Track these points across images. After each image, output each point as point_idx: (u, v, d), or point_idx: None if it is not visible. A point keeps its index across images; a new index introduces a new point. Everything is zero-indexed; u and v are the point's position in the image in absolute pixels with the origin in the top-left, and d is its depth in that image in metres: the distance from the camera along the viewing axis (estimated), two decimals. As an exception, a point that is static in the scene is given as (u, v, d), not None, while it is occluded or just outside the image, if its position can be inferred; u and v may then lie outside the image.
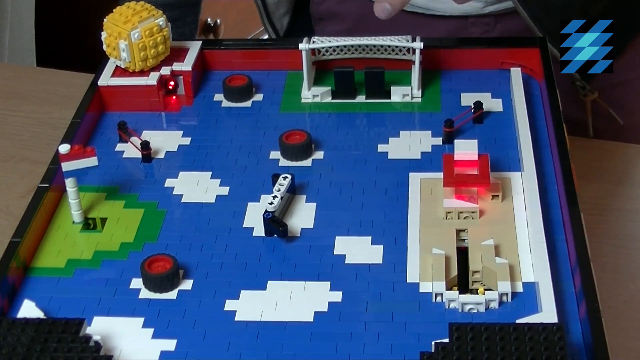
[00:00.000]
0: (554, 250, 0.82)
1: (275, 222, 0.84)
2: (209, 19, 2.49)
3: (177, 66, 1.03)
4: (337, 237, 0.85)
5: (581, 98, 1.19)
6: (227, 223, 0.87)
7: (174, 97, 1.04)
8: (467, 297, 0.77)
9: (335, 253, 0.83)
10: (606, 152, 1.12)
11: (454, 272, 0.79)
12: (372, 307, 0.78)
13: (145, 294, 0.80)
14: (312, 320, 0.77)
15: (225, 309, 0.79)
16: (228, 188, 0.91)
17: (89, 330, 0.75)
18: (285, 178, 0.87)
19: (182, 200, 0.90)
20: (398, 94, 1.02)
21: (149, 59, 1.00)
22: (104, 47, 1.01)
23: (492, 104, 1.00)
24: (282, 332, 0.76)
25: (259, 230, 0.86)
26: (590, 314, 0.73)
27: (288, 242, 0.85)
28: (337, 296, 0.79)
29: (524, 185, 0.88)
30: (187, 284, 0.81)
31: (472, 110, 0.97)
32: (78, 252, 0.85)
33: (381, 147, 0.95)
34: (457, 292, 0.78)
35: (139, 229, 0.87)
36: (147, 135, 0.99)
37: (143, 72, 1.01)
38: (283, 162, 0.94)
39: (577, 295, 0.77)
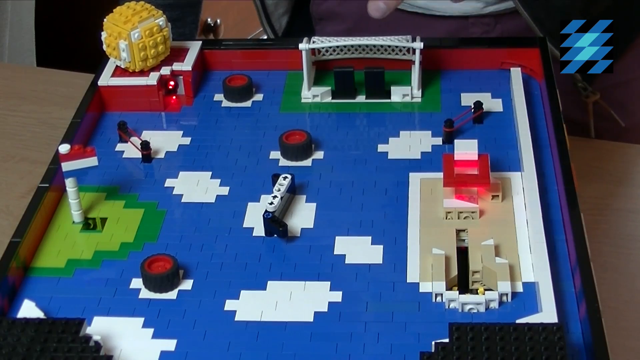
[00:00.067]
0: (554, 250, 0.82)
1: (275, 222, 0.84)
2: (209, 19, 2.49)
3: (177, 66, 1.03)
4: (337, 237, 0.85)
5: (583, 99, 1.19)
6: (227, 223, 0.87)
7: (174, 97, 1.04)
8: (467, 297, 0.77)
9: (335, 253, 0.83)
10: (606, 152, 1.13)
11: (454, 272, 0.79)
12: (372, 307, 0.78)
13: (145, 294, 0.80)
14: (312, 320, 0.77)
15: (225, 309, 0.79)
16: (228, 188, 0.91)
17: (89, 330, 0.75)
18: (285, 178, 0.87)
19: (182, 200, 0.90)
20: (398, 94, 1.02)
21: (149, 59, 1.00)
22: (104, 47, 1.01)
23: (492, 104, 1.00)
24: (282, 332, 0.76)
25: (259, 230, 0.86)
26: (590, 314, 0.73)
27: (288, 242, 0.85)
28: (337, 296, 0.79)
29: (524, 185, 0.88)
30: (187, 284, 0.81)
31: (472, 110, 0.97)
32: (78, 252, 0.85)
33: (381, 147, 0.95)
34: (457, 292, 0.78)
35: (139, 229, 0.87)
36: (147, 135, 0.99)
37: (143, 72, 1.01)
38: (283, 162, 0.94)
39: (577, 295, 0.77)
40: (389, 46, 1.02)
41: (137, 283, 0.81)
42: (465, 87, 1.02)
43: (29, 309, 0.77)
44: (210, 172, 0.93)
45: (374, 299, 0.79)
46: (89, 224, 0.88)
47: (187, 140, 0.98)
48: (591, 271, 0.77)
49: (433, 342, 0.70)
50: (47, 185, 0.89)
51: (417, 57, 1.00)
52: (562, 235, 0.83)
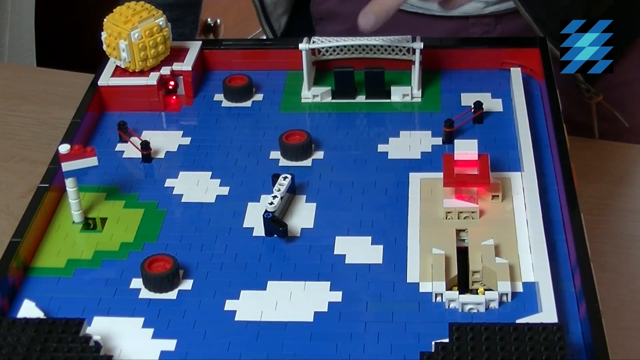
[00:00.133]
0: (554, 250, 0.82)
1: (275, 222, 0.84)
2: (209, 19, 2.49)
3: (177, 66, 1.03)
4: (337, 237, 0.85)
5: (586, 101, 1.19)
6: (227, 223, 0.87)
7: (174, 97, 1.04)
8: (467, 297, 0.77)
9: (335, 253, 0.83)
10: (607, 152, 1.12)
11: (454, 272, 0.79)
12: (372, 307, 0.78)
13: (145, 294, 0.80)
14: (312, 320, 0.77)
15: (225, 309, 0.79)
16: (228, 188, 0.91)
17: (89, 330, 0.75)
18: (285, 178, 0.87)
19: (182, 200, 0.90)
20: (398, 94, 1.02)
21: (149, 59, 1.00)
22: (104, 47, 1.01)
23: (492, 104, 1.00)
24: (282, 332, 0.76)
25: (259, 230, 0.86)
26: (590, 314, 0.73)
27: (288, 242, 0.85)
28: (337, 296, 0.79)
29: (524, 185, 0.88)
30: (187, 284, 0.81)
31: (472, 110, 0.97)
32: (78, 252, 0.85)
33: (381, 147, 0.95)
34: (457, 292, 0.78)
35: (139, 229, 0.87)
36: (147, 135, 0.99)
37: (143, 72, 1.01)
38: (283, 162, 0.94)
39: (577, 295, 0.77)
40: (389, 46, 1.02)
41: (137, 283, 0.81)
42: (465, 87, 1.02)
43: (29, 309, 0.77)
44: (210, 172, 0.93)
45: (374, 299, 0.79)
46: (89, 224, 0.88)
47: (187, 140, 0.98)
48: (591, 271, 0.77)
49: (433, 342, 0.70)
50: (47, 185, 0.89)
51: (417, 57, 1.00)
52: (562, 235, 0.83)
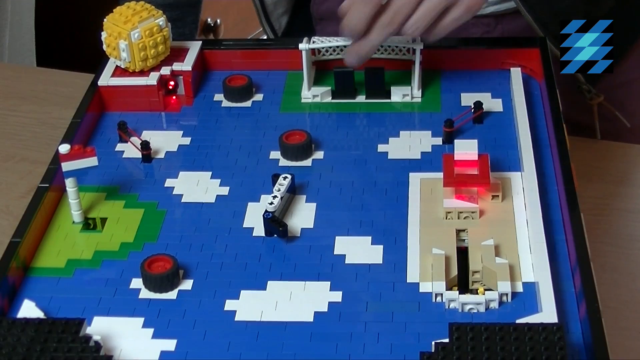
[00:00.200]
0: (554, 250, 0.82)
1: (275, 222, 0.84)
2: (209, 19, 2.49)
3: (177, 66, 1.03)
4: (337, 237, 0.85)
5: (587, 102, 1.19)
6: (227, 223, 0.87)
7: (174, 97, 1.04)
8: (467, 297, 0.77)
9: (335, 253, 0.83)
10: (607, 152, 1.12)
11: (454, 272, 0.79)
12: (372, 307, 0.78)
13: (145, 294, 0.80)
14: (312, 320, 0.77)
15: (225, 309, 0.79)
16: (228, 188, 0.91)
17: (89, 330, 0.75)
18: (285, 178, 0.87)
19: (182, 200, 0.90)
20: (398, 94, 1.02)
21: (149, 59, 1.00)
22: (104, 47, 1.01)
23: (492, 104, 1.00)
24: (282, 332, 0.76)
25: (259, 230, 0.86)
26: (590, 314, 0.73)
27: (288, 242, 0.85)
28: (337, 296, 0.79)
29: (524, 185, 0.88)
30: (187, 284, 0.81)
31: (472, 110, 0.97)
32: (78, 252, 0.85)
33: (381, 147, 0.95)
34: (457, 292, 0.78)
35: (139, 229, 0.87)
36: (147, 135, 0.99)
37: (143, 72, 1.01)
38: (283, 162, 0.94)
39: (577, 295, 0.77)
40: (389, 46, 1.01)
41: (137, 283, 0.81)
42: (465, 87, 1.02)
43: (29, 309, 0.77)
44: (210, 172, 0.93)
45: (374, 299, 0.79)
46: (89, 224, 0.88)
47: (187, 140, 0.98)
48: (591, 271, 0.77)
49: (433, 342, 0.70)
50: (47, 185, 0.89)
51: (417, 57, 1.00)
52: (562, 235, 0.83)
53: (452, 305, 0.77)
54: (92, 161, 0.87)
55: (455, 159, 0.87)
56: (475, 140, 0.88)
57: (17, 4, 2.09)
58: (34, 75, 1.37)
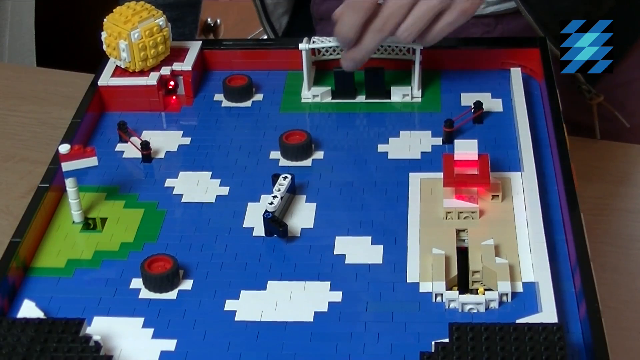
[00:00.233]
0: (554, 250, 0.82)
1: (275, 222, 0.84)
2: (209, 19, 2.49)
3: (177, 66, 1.03)
4: (337, 237, 0.85)
5: (587, 102, 1.19)
6: (227, 223, 0.87)
7: (174, 97, 1.04)
8: (467, 297, 0.77)
9: (335, 253, 0.83)
10: (607, 152, 1.12)
11: (454, 272, 0.79)
12: (372, 307, 0.78)
13: (145, 294, 0.80)
14: (312, 320, 0.77)
15: (225, 309, 0.79)
16: (228, 188, 0.91)
17: (89, 330, 0.75)
18: (285, 178, 0.87)
19: (182, 200, 0.90)
20: (398, 94, 1.02)
21: (149, 59, 1.00)
22: (104, 47, 1.01)
23: (492, 104, 1.00)
24: (282, 332, 0.76)
25: (259, 230, 0.86)
26: (590, 314, 0.73)
27: (288, 242, 0.85)
28: (337, 296, 0.79)
29: (524, 185, 0.88)
30: (187, 284, 0.81)
31: (472, 110, 0.97)
32: (78, 252, 0.85)
33: (381, 147, 0.95)
34: (457, 292, 0.78)
35: (139, 229, 0.87)
36: (147, 135, 0.99)
37: (143, 72, 1.01)
38: (283, 162, 0.94)
39: (577, 295, 0.77)
40: (389, 46, 1.01)
41: (137, 283, 0.81)
42: (465, 87, 1.02)
43: (29, 309, 0.77)
44: (210, 172, 0.93)
45: (374, 299, 0.79)
46: (89, 224, 0.88)
47: (187, 140, 0.98)
48: (591, 271, 0.77)
49: (433, 342, 0.70)
50: (47, 185, 0.89)
51: (417, 57, 1.00)
52: (562, 235, 0.83)
53: (452, 305, 0.77)
54: (92, 161, 0.87)
55: (455, 159, 0.87)
56: (475, 140, 0.88)
57: (17, 4, 2.09)
58: (34, 75, 1.37)
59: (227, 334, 0.76)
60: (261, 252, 0.84)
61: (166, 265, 0.81)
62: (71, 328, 0.73)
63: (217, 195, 0.90)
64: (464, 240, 0.84)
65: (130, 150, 0.97)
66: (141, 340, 0.76)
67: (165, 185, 0.92)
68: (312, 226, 0.86)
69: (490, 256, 0.80)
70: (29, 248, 0.84)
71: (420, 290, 0.79)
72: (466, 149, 0.87)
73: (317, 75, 1.04)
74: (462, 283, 0.80)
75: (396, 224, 0.85)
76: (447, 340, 0.70)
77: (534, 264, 0.80)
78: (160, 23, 1.00)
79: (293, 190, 0.89)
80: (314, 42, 1.01)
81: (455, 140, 0.89)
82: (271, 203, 0.85)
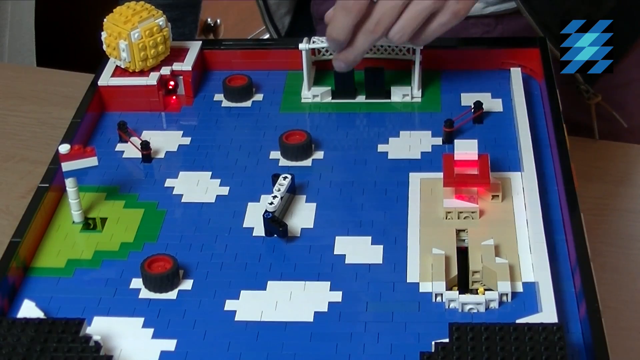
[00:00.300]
0: (554, 250, 0.82)
1: (275, 222, 0.84)
2: (209, 19, 2.49)
3: (177, 66, 1.03)
4: (337, 237, 0.85)
5: (585, 102, 1.19)
6: (227, 223, 0.87)
7: (174, 97, 1.04)
8: (467, 297, 0.77)
9: (335, 253, 0.83)
10: (607, 153, 1.13)
11: (454, 272, 0.79)
12: (372, 307, 0.78)
13: (145, 294, 0.80)
14: (312, 320, 0.77)
15: (225, 309, 0.79)
16: (228, 188, 0.91)
17: (89, 330, 0.75)
18: (285, 178, 0.87)
19: (182, 200, 0.90)
20: (398, 94, 1.02)
21: (149, 59, 1.00)
22: (104, 47, 1.01)
23: (492, 104, 1.00)
24: (282, 332, 0.76)
25: (259, 230, 0.86)
26: (590, 314, 0.73)
27: (288, 242, 0.85)
28: (337, 296, 0.79)
29: (524, 185, 0.88)
30: (187, 284, 0.81)
31: (472, 110, 0.97)
32: (78, 252, 0.85)
33: (381, 147, 0.95)
34: (457, 292, 0.78)
35: (139, 229, 0.87)
36: (147, 135, 0.99)
37: (143, 72, 1.01)
38: (283, 162, 0.94)
39: (577, 295, 0.77)
40: (389, 46, 1.01)
41: (137, 283, 0.81)
42: (465, 87, 1.02)
43: (29, 309, 0.77)
44: (210, 172, 0.93)
45: (374, 299, 0.79)
46: (89, 224, 0.88)
47: (187, 140, 0.98)
48: (591, 271, 0.77)
49: (433, 342, 0.70)
50: (47, 185, 0.89)
51: (417, 57, 1.00)
52: (562, 235, 0.83)
53: (452, 305, 0.77)
54: (92, 161, 0.87)
55: (455, 159, 0.87)
56: (475, 140, 0.88)
57: (17, 4, 2.09)
58: (34, 75, 1.37)
59: (227, 334, 0.76)
60: (261, 252, 0.84)
61: (166, 265, 0.81)
62: (71, 328, 0.73)
63: (217, 195, 0.91)
64: (464, 240, 0.84)
65: (130, 150, 0.97)
66: (141, 340, 0.76)
67: (165, 185, 0.92)
68: (312, 226, 0.86)
69: (490, 256, 0.80)
70: (29, 248, 0.84)
71: (420, 290, 0.79)
72: (466, 149, 0.87)
73: (317, 75, 1.04)
74: (462, 283, 0.80)
75: (396, 224, 0.85)
76: (447, 340, 0.70)
77: (534, 264, 0.80)
78: (160, 23, 1.00)
79: (293, 190, 0.89)
80: (314, 42, 1.01)
81: (455, 140, 0.89)
82: (271, 203, 0.85)
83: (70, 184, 0.87)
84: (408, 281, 0.80)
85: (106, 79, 1.02)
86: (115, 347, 0.75)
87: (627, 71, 1.22)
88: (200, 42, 1.07)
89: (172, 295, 0.80)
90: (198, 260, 0.83)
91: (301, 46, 1.00)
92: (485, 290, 0.78)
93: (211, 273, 0.82)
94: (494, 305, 0.77)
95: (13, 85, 1.32)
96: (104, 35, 1.00)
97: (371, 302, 0.78)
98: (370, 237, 0.84)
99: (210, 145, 0.97)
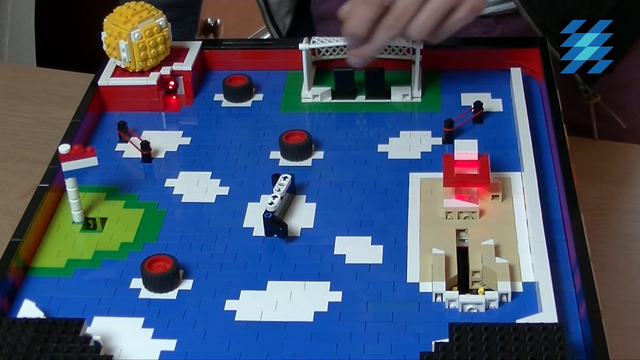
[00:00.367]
0: (554, 250, 0.82)
1: (275, 222, 0.84)
2: (209, 19, 2.49)
3: (177, 66, 1.03)
4: (337, 237, 0.85)
5: (585, 102, 1.19)
6: (227, 223, 0.87)
7: (174, 97, 1.04)
8: (467, 297, 0.77)
9: (335, 253, 0.83)
10: (607, 153, 1.13)
11: (454, 272, 0.79)
12: (372, 307, 0.78)
13: (145, 294, 0.80)
14: (312, 320, 0.77)
15: (225, 309, 0.79)
16: (228, 188, 0.91)
17: (89, 330, 0.75)
18: (285, 178, 0.87)
19: (182, 200, 0.90)
20: (398, 94, 1.02)
21: (149, 59, 1.00)
22: (104, 47, 1.01)
23: (492, 104, 1.00)
24: (282, 332, 0.76)
25: (259, 230, 0.86)
26: (590, 314, 0.73)
27: (288, 242, 0.85)
28: (337, 296, 0.79)
29: (524, 185, 0.88)
30: (187, 284, 0.81)
31: (472, 110, 0.97)
32: (78, 252, 0.85)
33: (381, 147, 0.95)
34: (457, 292, 0.78)
35: (139, 229, 0.87)
36: (147, 135, 0.99)
37: (143, 72, 1.01)
38: (283, 162, 0.94)
39: (577, 295, 0.77)
40: (389, 46, 1.01)
41: (137, 283, 0.81)
42: (465, 87, 1.02)
43: (29, 309, 0.77)
44: (210, 172, 0.93)
45: (374, 299, 0.79)
46: (89, 224, 0.88)
47: (187, 140, 0.98)
48: (591, 271, 0.77)
49: (433, 342, 0.70)
50: (47, 185, 0.89)
51: (417, 57, 1.00)
52: (562, 235, 0.83)
53: (452, 305, 0.77)
54: (92, 161, 0.87)
55: (455, 159, 0.87)
56: (475, 140, 0.88)
57: (17, 4, 2.09)
58: (34, 75, 1.37)
59: (227, 334, 0.76)
60: (261, 252, 0.84)
61: (166, 265, 0.81)
62: (71, 328, 0.73)
63: (217, 195, 0.91)
64: (464, 240, 0.84)
65: (130, 150, 0.97)
66: (141, 340, 0.76)
67: (165, 185, 0.92)
68: (312, 226, 0.86)
69: (490, 256, 0.80)
70: (29, 248, 0.84)
71: (420, 290, 0.79)
72: (466, 149, 0.87)
73: (317, 75, 1.04)
74: (462, 283, 0.80)
75: (396, 224, 0.85)
76: (447, 340, 0.70)
77: (534, 264, 0.80)
78: (160, 23, 1.00)
79: (293, 190, 0.89)
80: (314, 42, 1.01)
81: (455, 140, 0.89)
82: (271, 203, 0.85)
83: (70, 184, 0.87)
84: (408, 281, 0.80)
85: (106, 79, 1.02)
86: (115, 347, 0.75)
87: (627, 72, 1.22)
88: (200, 42, 1.07)
89: (172, 295, 0.80)
90: (198, 260, 0.83)
91: (301, 46, 1.00)
92: (485, 290, 0.78)
93: (211, 273, 0.82)
94: (494, 305, 0.77)
95: (13, 85, 1.32)
96: (104, 35, 1.00)
97: (371, 302, 0.78)
98: (370, 237, 0.84)
99: (210, 145, 0.97)
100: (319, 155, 0.95)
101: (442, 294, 0.78)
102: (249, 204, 0.89)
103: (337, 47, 1.02)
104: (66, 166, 0.86)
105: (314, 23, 1.34)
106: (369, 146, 0.96)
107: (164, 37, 1.01)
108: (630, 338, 0.90)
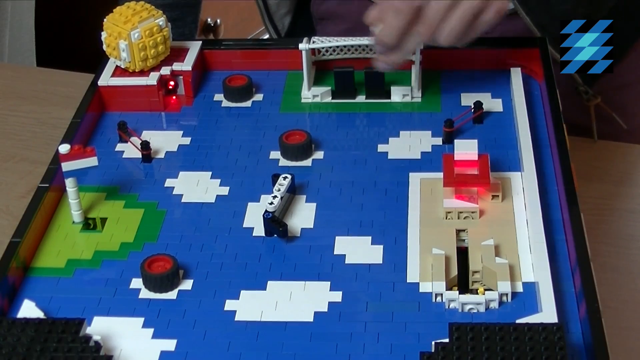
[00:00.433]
0: (554, 250, 0.82)
1: (275, 222, 0.84)
2: (209, 19, 2.49)
3: (177, 66, 1.03)
4: (337, 237, 0.85)
5: (585, 103, 1.19)
6: (227, 223, 0.87)
7: (174, 97, 1.04)
8: (467, 297, 0.77)
9: (335, 253, 0.83)
10: (607, 153, 1.13)
11: (454, 272, 0.79)
12: (372, 307, 0.78)
13: (145, 294, 0.80)
14: (312, 320, 0.77)
15: (225, 309, 0.79)
16: (228, 188, 0.91)
17: (89, 330, 0.75)
18: (285, 178, 0.87)
19: (182, 200, 0.90)
20: (398, 94, 1.02)
21: (149, 59, 1.00)
22: (104, 47, 1.01)
23: (492, 104, 1.00)
24: (282, 332, 0.76)
25: (259, 230, 0.86)
26: (590, 314, 0.73)
27: (288, 242, 0.85)
28: (337, 296, 0.79)
29: (524, 185, 0.88)
30: (187, 284, 0.81)
31: (472, 110, 0.97)
32: (78, 252, 0.85)
33: (381, 147, 0.95)
34: (457, 292, 0.78)
35: (139, 229, 0.87)
36: (147, 135, 0.99)
37: (143, 72, 1.01)
38: (283, 162, 0.94)
39: (577, 295, 0.77)
40: (389, 46, 1.01)
41: (137, 283, 0.81)
42: (465, 87, 1.02)
43: (29, 309, 0.77)
44: (210, 172, 0.93)
45: (374, 299, 0.79)
46: (89, 224, 0.88)
47: (187, 140, 0.98)
48: (591, 271, 0.77)
49: (433, 342, 0.70)
50: (47, 185, 0.89)
51: (417, 57, 1.00)
52: (562, 235, 0.83)
53: (452, 305, 0.77)
54: (92, 161, 0.87)
55: (455, 159, 0.87)
56: (475, 140, 0.88)
57: (17, 4, 2.09)
58: (34, 75, 1.37)
59: (227, 334, 0.76)
60: (261, 252, 0.84)
61: (166, 265, 0.81)
62: (71, 328, 0.73)
63: (217, 195, 0.91)
64: (464, 240, 0.84)
65: (130, 150, 0.97)
66: (141, 340, 0.76)
67: (165, 185, 0.92)
68: (312, 226, 0.86)
69: (490, 256, 0.80)
70: (29, 248, 0.84)
71: (420, 290, 0.79)
72: (466, 149, 0.87)
73: (317, 75, 1.04)
74: (462, 283, 0.80)
75: (396, 224, 0.85)
76: (447, 340, 0.70)
77: (534, 264, 0.80)
78: (160, 23, 1.00)
79: (293, 190, 0.89)
80: (314, 42, 1.01)
81: (455, 140, 0.89)
82: (271, 203, 0.85)
83: (70, 184, 0.87)
84: (408, 281, 0.80)
85: (106, 79, 1.02)
86: (115, 347, 0.75)
87: (627, 72, 1.22)
88: (200, 42, 1.07)
89: (172, 295, 0.80)
90: (198, 260, 0.83)
91: (301, 46, 1.00)
92: (485, 290, 0.78)
93: (211, 273, 0.82)
94: (494, 305, 0.77)
95: (13, 85, 1.32)
96: (104, 35, 1.00)
97: (371, 302, 0.78)
98: (370, 237, 0.84)
99: (210, 145, 0.97)
100: (319, 155, 0.95)
101: (442, 294, 0.78)
102: (249, 204, 0.89)
103: (337, 47, 1.02)
104: (66, 166, 0.86)
105: (313, 23, 1.34)
106: (369, 146, 0.96)
107: (164, 37, 1.01)
108: (630, 338, 0.90)
